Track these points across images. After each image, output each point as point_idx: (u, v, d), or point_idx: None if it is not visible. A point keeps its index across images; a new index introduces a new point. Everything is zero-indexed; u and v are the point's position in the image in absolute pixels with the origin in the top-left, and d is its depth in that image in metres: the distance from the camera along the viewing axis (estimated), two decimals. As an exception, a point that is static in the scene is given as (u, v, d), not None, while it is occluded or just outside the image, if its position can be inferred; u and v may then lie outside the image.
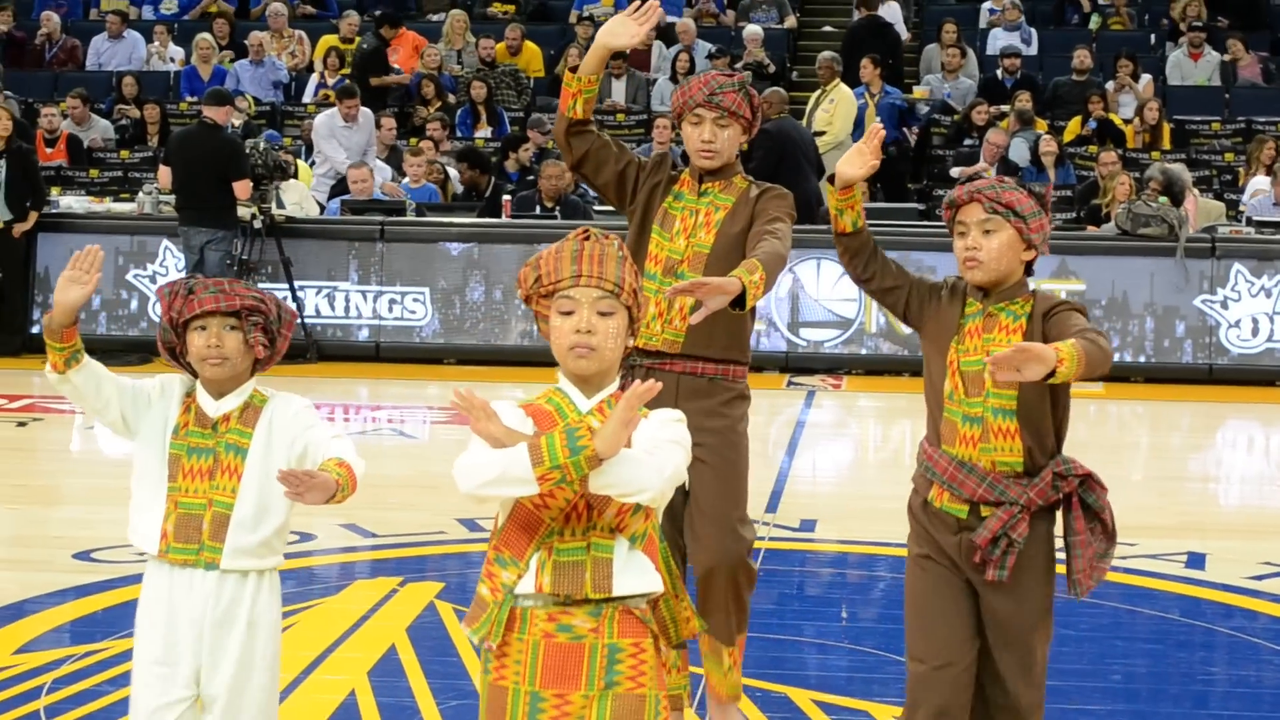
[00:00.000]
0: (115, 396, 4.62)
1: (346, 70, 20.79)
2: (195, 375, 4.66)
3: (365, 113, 18.27)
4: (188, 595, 4.55)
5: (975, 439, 4.81)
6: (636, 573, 3.97)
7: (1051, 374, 4.39)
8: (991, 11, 22.47)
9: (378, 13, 21.62)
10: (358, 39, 21.54)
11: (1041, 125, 19.25)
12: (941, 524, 4.88)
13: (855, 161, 5.01)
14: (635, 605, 3.99)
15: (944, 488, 4.86)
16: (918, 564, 4.93)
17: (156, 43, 21.99)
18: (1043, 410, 4.80)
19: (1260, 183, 17.22)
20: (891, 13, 21.97)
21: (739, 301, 5.25)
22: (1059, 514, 4.88)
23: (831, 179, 5.03)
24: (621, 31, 5.81)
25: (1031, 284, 4.96)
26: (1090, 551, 4.81)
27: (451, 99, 20.46)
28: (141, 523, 4.60)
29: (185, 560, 4.55)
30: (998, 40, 21.88)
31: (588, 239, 4.08)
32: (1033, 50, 21.87)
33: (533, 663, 3.94)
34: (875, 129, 5.07)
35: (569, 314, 4.01)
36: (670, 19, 21.53)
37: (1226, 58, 21.19)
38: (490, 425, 3.87)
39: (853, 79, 19.62)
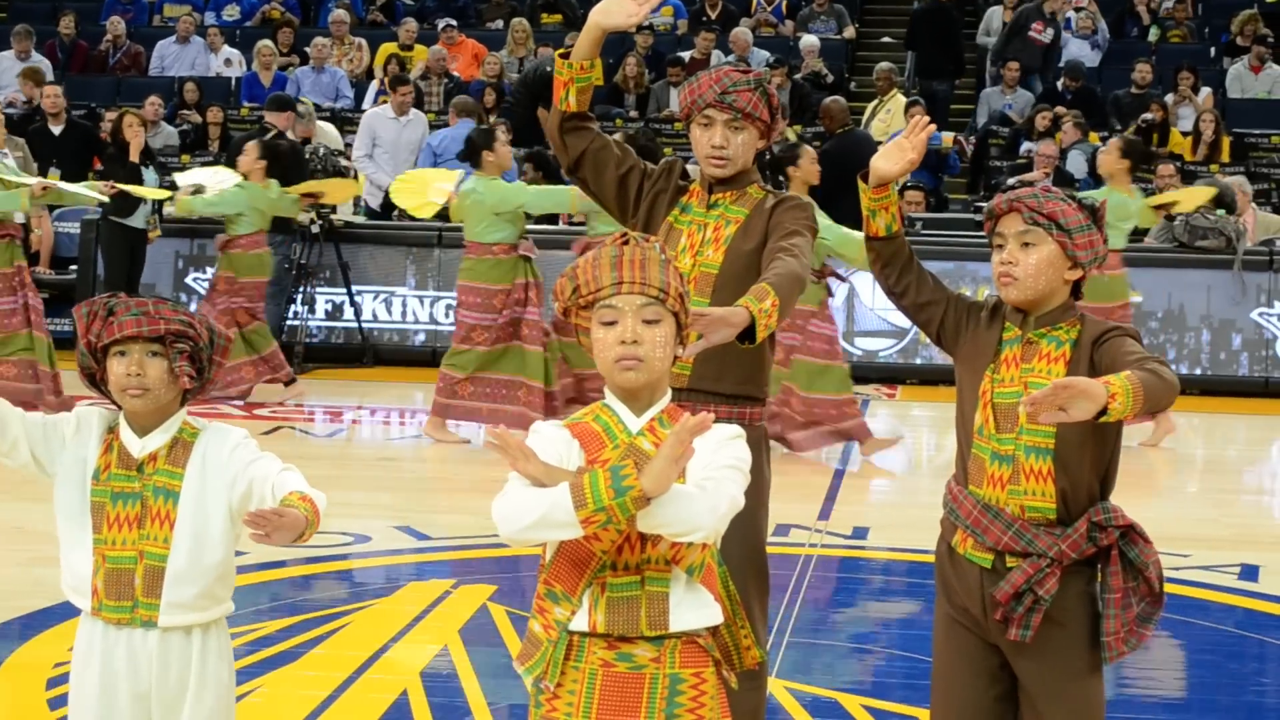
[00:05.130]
0: (23, 436, 4.09)
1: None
2: (119, 406, 4.15)
3: (419, 115, 18.29)
4: (127, 660, 4.07)
5: (1004, 480, 4.27)
6: (694, 606, 3.70)
7: (1103, 411, 3.86)
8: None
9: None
10: (418, 46, 21.61)
11: (1095, 138, 19.18)
12: (965, 575, 4.36)
13: (893, 156, 4.48)
14: (698, 634, 3.73)
15: (967, 533, 4.33)
16: (944, 623, 4.46)
17: (224, 53, 22.13)
18: (1084, 451, 4.26)
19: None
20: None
21: (749, 334, 4.52)
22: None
23: (866, 176, 4.52)
24: (617, 10, 5.10)
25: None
26: (1130, 614, 4.26)
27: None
28: (71, 576, 4.11)
29: (119, 619, 4.05)
30: (1069, 48, 21.84)
31: (627, 243, 3.80)
32: (1096, 60, 21.76)
33: (589, 693, 3.68)
34: (920, 121, 4.57)
35: (612, 324, 3.73)
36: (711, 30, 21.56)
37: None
38: (529, 465, 3.59)
39: (918, 69, 19.72)
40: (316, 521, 3.92)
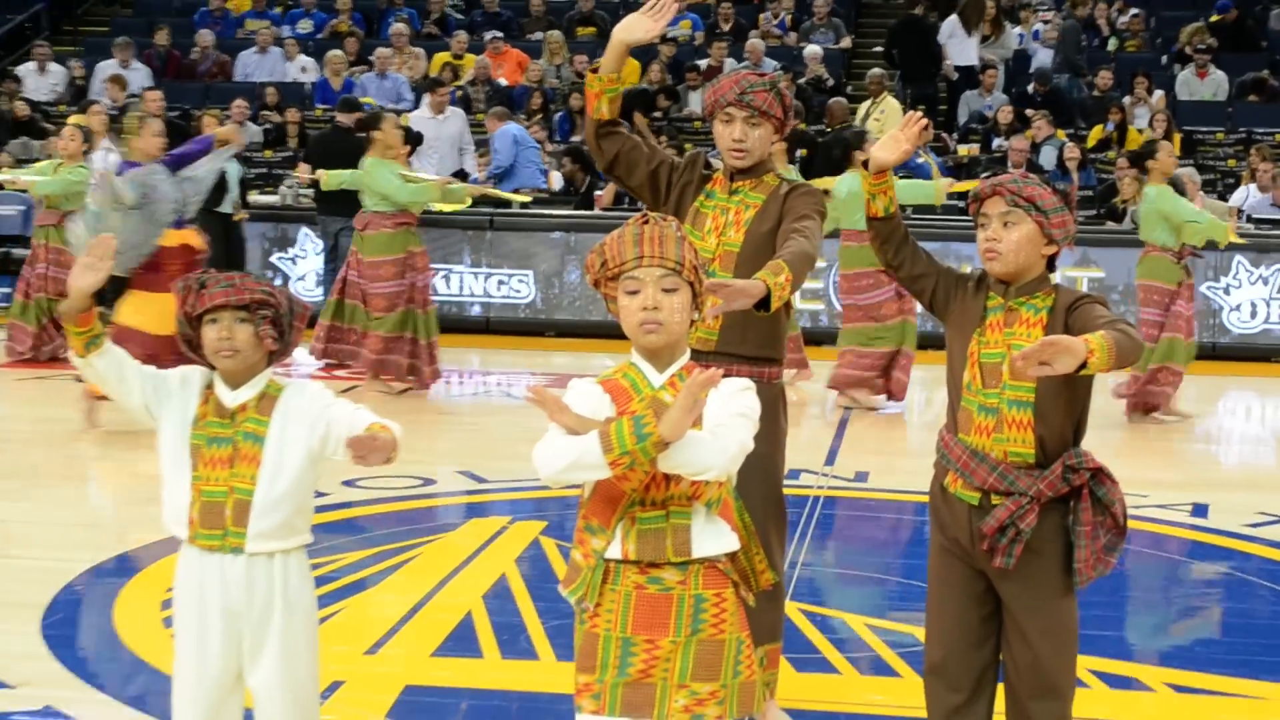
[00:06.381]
0: (138, 384, 4.23)
1: (459, 83, 20.90)
2: (214, 368, 4.25)
3: (455, 111, 18.32)
4: (219, 582, 4.16)
5: (989, 429, 4.33)
6: (713, 535, 3.76)
7: (1083, 365, 3.92)
8: (1020, 38, 22.41)
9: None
10: (468, 56, 21.66)
11: (1061, 134, 19.16)
12: (956, 511, 4.44)
13: (889, 146, 4.54)
14: (718, 559, 3.80)
15: (958, 474, 4.40)
16: (937, 553, 4.53)
17: (299, 61, 22.19)
18: (1059, 404, 4.31)
19: (1241, 192, 17.36)
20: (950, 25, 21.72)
21: (765, 304, 4.58)
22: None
23: (866, 164, 4.60)
24: (637, 27, 5.18)
25: (1055, 278, 4.45)
26: (1098, 544, 4.34)
27: (551, 108, 20.57)
28: (172, 509, 4.21)
29: (211, 545, 4.15)
30: (1037, 57, 21.88)
31: (647, 222, 3.84)
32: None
33: (624, 611, 3.75)
34: (913, 116, 4.61)
35: (635, 293, 3.77)
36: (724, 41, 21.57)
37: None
38: (564, 417, 3.67)
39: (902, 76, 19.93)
40: (398, 444, 4.02)
